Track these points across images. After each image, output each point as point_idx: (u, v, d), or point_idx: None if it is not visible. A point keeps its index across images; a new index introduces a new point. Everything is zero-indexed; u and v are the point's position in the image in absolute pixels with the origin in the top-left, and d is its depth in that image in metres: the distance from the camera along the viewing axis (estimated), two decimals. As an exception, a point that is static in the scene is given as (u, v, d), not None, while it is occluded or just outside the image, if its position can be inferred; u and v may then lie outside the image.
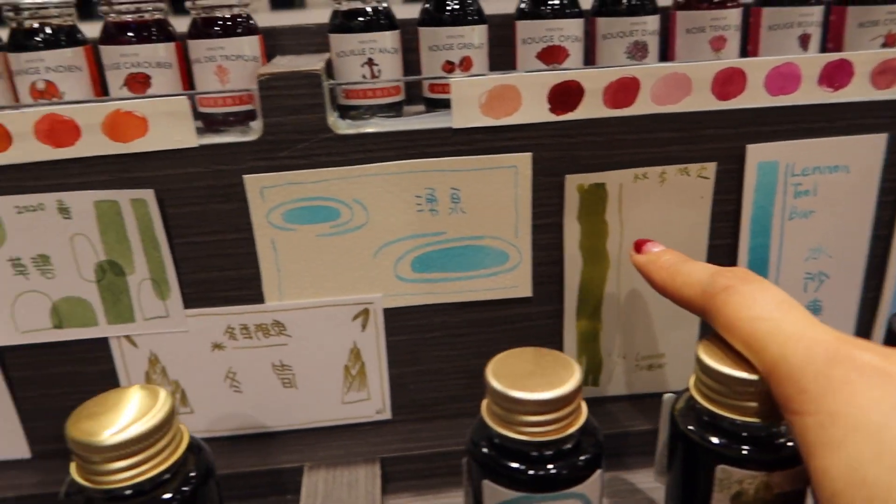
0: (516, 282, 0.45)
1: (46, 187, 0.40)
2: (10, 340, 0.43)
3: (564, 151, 0.42)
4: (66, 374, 0.44)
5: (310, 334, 0.45)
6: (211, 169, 0.40)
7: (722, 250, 0.45)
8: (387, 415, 0.48)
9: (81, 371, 0.44)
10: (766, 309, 0.30)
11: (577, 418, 0.33)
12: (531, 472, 0.32)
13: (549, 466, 0.32)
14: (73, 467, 0.32)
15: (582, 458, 0.32)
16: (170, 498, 0.32)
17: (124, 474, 0.31)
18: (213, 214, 0.41)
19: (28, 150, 0.39)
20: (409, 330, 0.46)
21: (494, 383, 0.32)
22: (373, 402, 0.47)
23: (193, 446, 0.34)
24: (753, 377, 0.31)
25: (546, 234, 0.44)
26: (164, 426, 0.32)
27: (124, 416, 0.31)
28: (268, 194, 0.41)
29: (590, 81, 0.40)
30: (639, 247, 0.36)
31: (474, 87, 0.40)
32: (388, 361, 0.46)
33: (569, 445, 0.33)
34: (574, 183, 0.42)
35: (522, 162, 0.42)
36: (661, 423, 0.40)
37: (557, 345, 0.47)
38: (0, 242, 0.41)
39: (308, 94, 0.39)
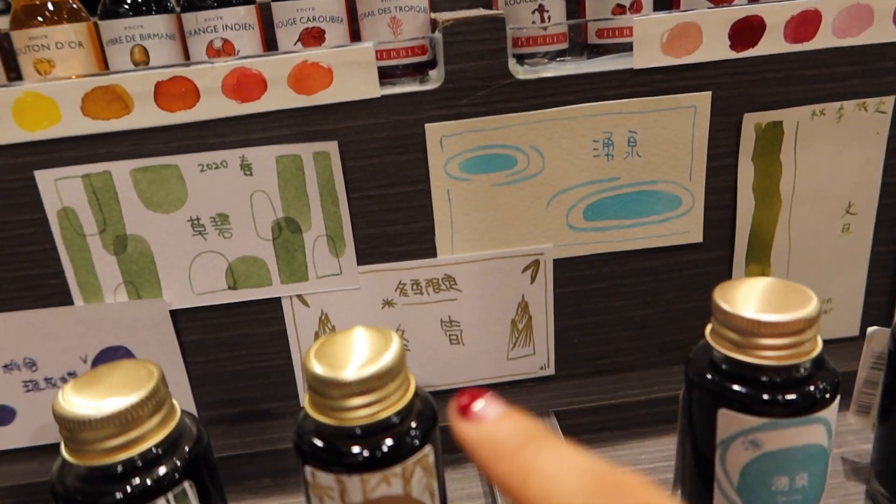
0: (688, 227, 0.44)
1: (229, 143, 0.40)
2: (185, 303, 0.43)
3: (742, 90, 0.41)
4: (237, 337, 0.44)
5: (479, 288, 0.44)
6: (391, 120, 0.40)
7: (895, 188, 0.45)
8: (550, 370, 0.47)
9: (251, 333, 0.44)
10: None
11: (816, 343, 0.32)
12: (777, 396, 0.31)
13: (793, 391, 0.31)
14: (307, 401, 0.31)
15: (825, 383, 0.32)
16: (398, 441, 0.31)
17: (360, 412, 0.31)
18: (390, 166, 0.41)
19: (214, 105, 0.38)
20: (576, 281, 0.45)
21: (728, 307, 0.32)
22: (537, 357, 0.47)
23: (419, 392, 0.34)
24: None
25: (718, 176, 0.43)
26: (398, 367, 0.31)
27: (360, 355, 0.31)
28: (447, 143, 0.41)
29: (772, 16, 0.40)
30: None
31: (657, 26, 0.39)
32: (554, 315, 0.46)
33: (808, 370, 0.32)
34: (752, 122, 0.42)
35: (702, 101, 0.41)
36: (862, 361, 0.39)
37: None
38: (181, 202, 0.40)
39: (491, 38, 0.39)
